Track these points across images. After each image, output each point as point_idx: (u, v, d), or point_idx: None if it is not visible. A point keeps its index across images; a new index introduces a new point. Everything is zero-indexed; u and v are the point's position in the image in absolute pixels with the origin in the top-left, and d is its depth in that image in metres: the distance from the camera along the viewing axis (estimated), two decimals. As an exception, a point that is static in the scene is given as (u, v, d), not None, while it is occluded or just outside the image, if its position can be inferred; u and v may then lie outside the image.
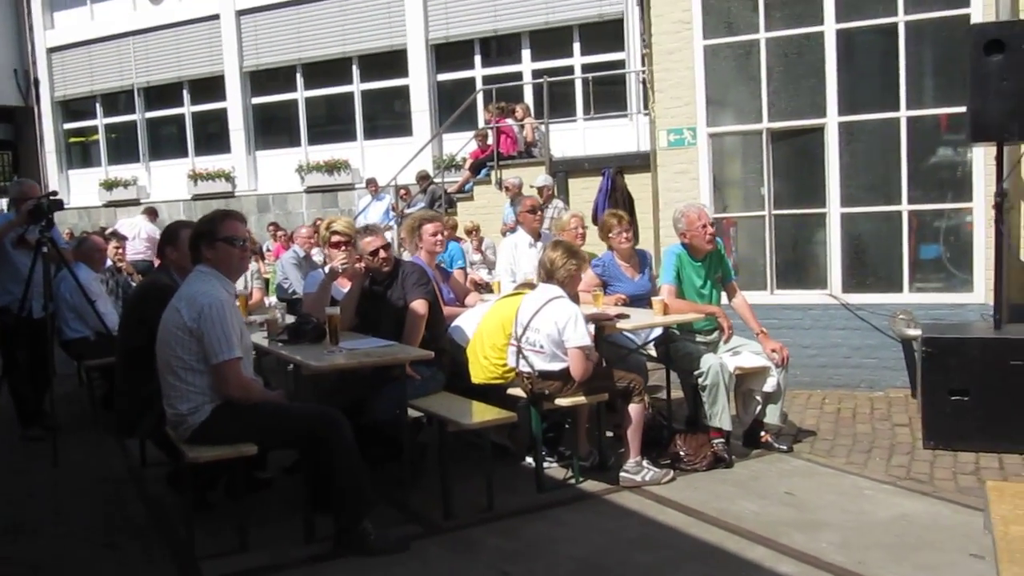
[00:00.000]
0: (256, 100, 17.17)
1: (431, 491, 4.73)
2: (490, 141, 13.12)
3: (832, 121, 7.17)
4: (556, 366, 4.84)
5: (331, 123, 16.91)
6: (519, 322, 4.97)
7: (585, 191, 11.80)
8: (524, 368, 4.91)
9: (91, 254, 7.06)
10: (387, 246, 5.23)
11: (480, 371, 5.23)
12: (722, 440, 5.46)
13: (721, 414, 5.35)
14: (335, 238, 5.61)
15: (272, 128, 17.56)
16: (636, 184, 11.32)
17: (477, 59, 14.98)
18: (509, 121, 12.89)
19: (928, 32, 6.95)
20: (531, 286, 5.78)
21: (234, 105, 17.06)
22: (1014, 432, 5.35)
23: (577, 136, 14.00)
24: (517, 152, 12.80)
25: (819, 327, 7.33)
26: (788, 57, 7.33)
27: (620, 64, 13.87)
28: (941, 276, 7.17)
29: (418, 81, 15.21)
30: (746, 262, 7.74)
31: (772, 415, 5.63)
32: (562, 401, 4.85)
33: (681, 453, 5.28)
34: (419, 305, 5.07)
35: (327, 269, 5.75)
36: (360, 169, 16.05)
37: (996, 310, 6.55)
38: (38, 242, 5.90)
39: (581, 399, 4.86)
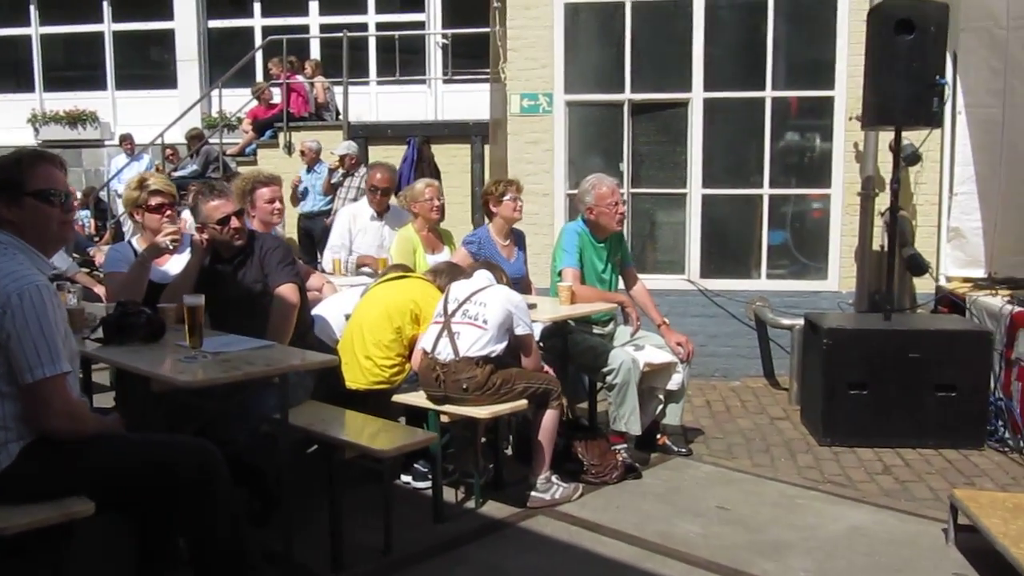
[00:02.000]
0: (-29, 32, 14.31)
1: (309, 532, 3.66)
2: (276, 99, 11.66)
3: (697, 97, 6.76)
4: (491, 349, 3.94)
5: (74, 67, 14.41)
6: (452, 298, 4.02)
7: (387, 160, 10.73)
8: (442, 354, 3.94)
9: None
10: (240, 212, 4.02)
11: (359, 374, 4.20)
12: (625, 446, 4.83)
13: (629, 417, 4.71)
14: (155, 199, 4.29)
15: (-5, 68, 14.74)
16: (442, 156, 10.52)
17: (256, 7, 13.31)
18: (300, 78, 11.51)
19: (799, 9, 6.70)
20: (404, 269, 4.82)
21: (-56, 36, 14.12)
22: (911, 427, 5.17)
23: (369, 101, 12.86)
24: (308, 113, 11.46)
25: (675, 313, 6.85)
26: (655, 25, 6.81)
27: (418, 25, 12.87)
28: (796, 263, 7.01)
29: (185, 26, 13.27)
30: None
31: (673, 415, 5.08)
32: (475, 410, 3.94)
33: (585, 463, 4.57)
34: (290, 291, 3.93)
35: (135, 242, 4.43)
36: (111, 123, 13.81)
37: (858, 298, 6.46)
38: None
39: (504, 406, 3.97)
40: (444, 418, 4.02)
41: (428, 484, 4.29)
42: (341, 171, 9.76)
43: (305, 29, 13.07)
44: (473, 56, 12.18)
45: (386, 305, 4.19)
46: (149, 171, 5.46)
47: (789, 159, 6.94)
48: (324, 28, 13.13)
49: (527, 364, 4.11)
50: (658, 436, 5.11)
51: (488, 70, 11.79)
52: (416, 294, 4.24)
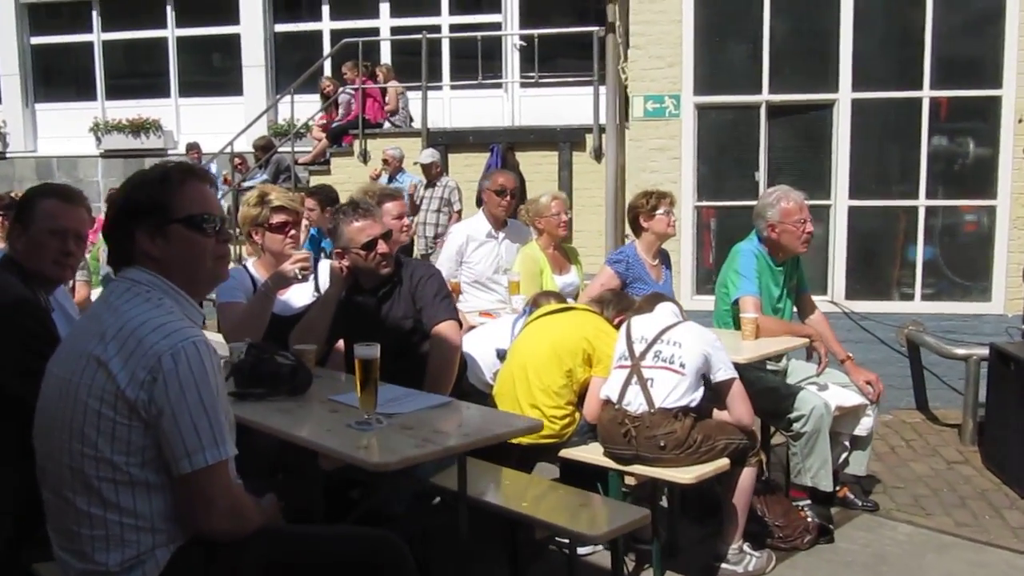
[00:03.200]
0: (36, 40, 13.91)
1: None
2: (345, 108, 11.10)
3: (844, 97, 6.05)
4: (691, 398, 3.29)
5: (137, 75, 13.99)
6: (638, 337, 3.37)
7: (468, 169, 10.13)
8: (633, 405, 3.29)
9: None
10: (388, 235, 3.40)
11: (523, 425, 3.55)
12: (809, 502, 4.14)
13: (819, 470, 4.03)
14: (277, 217, 3.70)
15: (57, 76, 14.34)
16: (526, 163, 9.90)
17: (325, 9, 12.78)
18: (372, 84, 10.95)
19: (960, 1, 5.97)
20: (558, 297, 4.19)
21: (6, 44, 13.72)
22: None
23: (442, 106, 12.27)
24: (385, 119, 10.90)
25: (816, 339, 6.21)
26: (796, 17, 6.12)
27: (494, 27, 12.25)
28: (954, 283, 6.26)
29: (251, 30, 12.78)
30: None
31: (858, 465, 4.39)
32: (673, 473, 3.27)
33: (769, 524, 3.89)
34: (451, 330, 3.31)
35: (250, 266, 3.85)
36: (174, 132, 13.38)
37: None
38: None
39: (707, 468, 3.30)
40: (629, 480, 3.36)
41: (592, 549, 3.64)
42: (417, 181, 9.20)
43: (375, 32, 12.52)
44: (552, 58, 11.58)
45: (554, 344, 3.55)
46: (267, 184, 4.84)
47: (948, 167, 6.21)
48: (395, 31, 12.58)
49: (733, 415, 3.44)
50: (837, 488, 4.41)
51: (570, 73, 11.23)
52: (588, 330, 3.59)
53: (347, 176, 10.69)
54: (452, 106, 12.32)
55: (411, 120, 11.24)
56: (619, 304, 3.81)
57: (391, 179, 9.57)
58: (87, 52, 13.82)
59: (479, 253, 5.52)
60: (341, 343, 3.56)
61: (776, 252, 4.26)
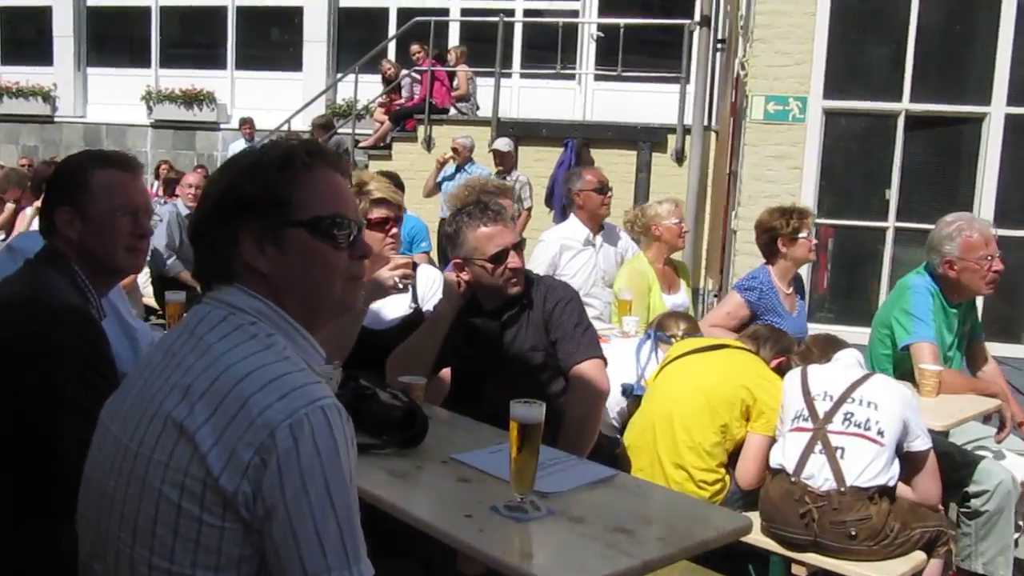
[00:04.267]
0: (92, 2, 13.44)
1: None
2: (408, 91, 10.49)
3: (997, 111, 5.32)
4: (890, 475, 2.65)
5: (192, 44, 13.49)
6: (819, 392, 2.72)
7: (539, 164, 9.48)
8: (817, 479, 2.63)
9: None
10: (520, 245, 2.75)
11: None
12: (977, 593, 3.45)
13: (997, 556, 3.33)
14: (378, 211, 3.05)
15: (111, 41, 13.86)
16: (601, 162, 9.21)
17: (394, -16, 12.20)
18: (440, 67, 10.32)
19: None
20: (690, 322, 3.54)
21: (61, 4, 13.27)
22: None
23: (511, 95, 11.62)
24: (451, 104, 10.28)
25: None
26: (949, 17, 5.40)
27: (571, 14, 11.58)
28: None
29: (316, 4, 12.20)
30: (846, 287, 5.78)
31: (1032, 549, 3.69)
32: (863, 568, 2.60)
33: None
34: (597, 372, 2.66)
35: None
36: (228, 105, 12.85)
37: None
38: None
39: (900, 566, 2.63)
40: (798, 570, 2.71)
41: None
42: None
43: (443, 13, 11.90)
44: (633, 51, 10.87)
45: (707, 392, 2.89)
46: (366, 171, 4.18)
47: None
48: (464, 13, 11.95)
49: (921, 493, 2.78)
50: None
51: (653, 68, 10.52)
52: (748, 376, 2.93)
53: (409, 163, 10.09)
54: (521, 96, 11.67)
55: (477, 108, 10.61)
56: (778, 343, 3.14)
57: (459, 169, 8.95)
58: (144, 17, 13.34)
59: (575, 263, 4.87)
60: (446, 371, 2.94)
61: (952, 292, 3.57)
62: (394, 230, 3.09)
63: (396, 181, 6.50)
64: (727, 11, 9.38)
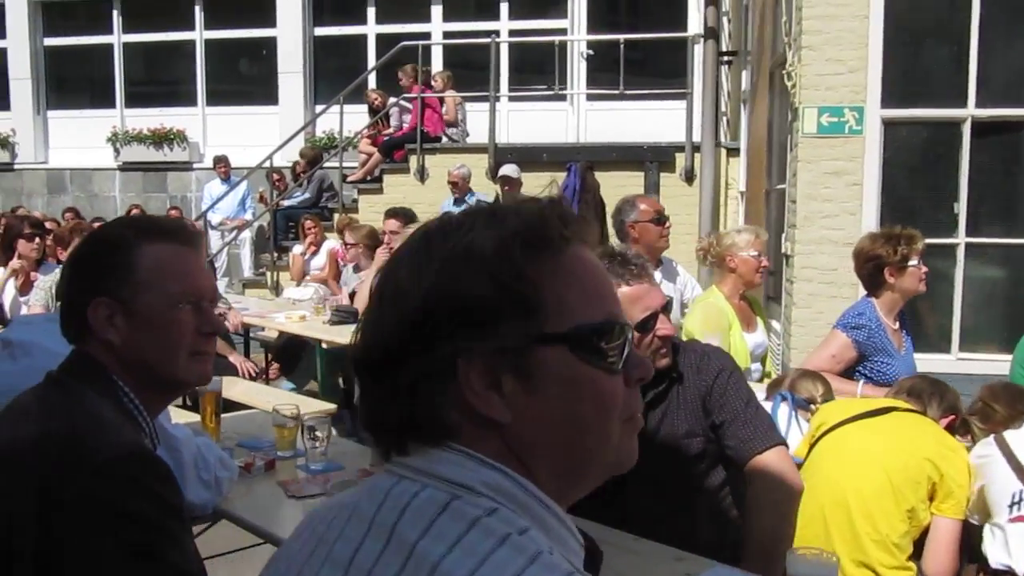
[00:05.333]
0: (50, 41, 12.72)
1: None
2: (397, 120, 9.94)
3: (1072, 113, 4.90)
4: None
5: (159, 82, 12.81)
6: None
7: (539, 190, 8.92)
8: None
9: None
10: (668, 307, 2.20)
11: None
12: None
13: None
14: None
15: (72, 81, 13.16)
16: (607, 185, 8.77)
17: (371, 12, 11.61)
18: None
19: None
20: (822, 381, 3.01)
21: (18, 45, 12.54)
22: None
23: (499, 119, 11.11)
24: (442, 132, 9.73)
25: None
26: (1015, 15, 4.98)
27: (559, 33, 11.12)
28: None
29: (289, 33, 11.61)
30: (916, 311, 5.29)
31: None
32: None
33: None
34: (785, 465, 2.10)
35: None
36: (200, 143, 12.19)
37: None
38: None
39: None
40: None
41: None
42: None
43: (424, 37, 11.39)
44: (628, 68, 10.45)
45: (887, 470, 2.35)
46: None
47: None
48: (447, 36, 11.45)
49: None
50: None
51: (650, 87, 10.08)
52: (929, 447, 2.41)
53: (402, 195, 9.52)
54: (510, 119, 11.17)
55: (467, 134, 10.10)
56: (944, 399, 2.62)
57: (459, 202, 8.41)
58: (106, 55, 12.65)
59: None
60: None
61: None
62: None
63: (410, 219, 5.98)
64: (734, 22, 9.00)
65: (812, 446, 2.55)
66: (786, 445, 2.16)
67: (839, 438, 2.50)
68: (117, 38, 12.53)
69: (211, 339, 1.57)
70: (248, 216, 10.80)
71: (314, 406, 4.05)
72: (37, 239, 5.70)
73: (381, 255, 5.71)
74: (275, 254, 9.79)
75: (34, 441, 1.34)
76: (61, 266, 5.39)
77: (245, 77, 12.65)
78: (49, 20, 12.82)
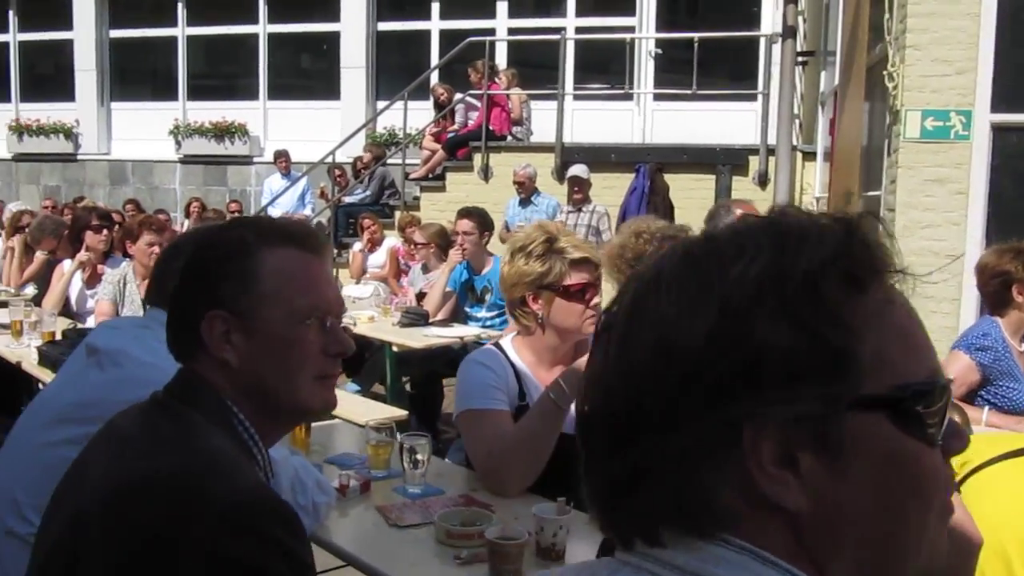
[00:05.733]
0: (115, 33, 12.83)
1: None
2: (463, 116, 9.78)
3: None
4: None
5: (221, 75, 12.85)
6: None
7: (608, 192, 8.74)
8: None
9: None
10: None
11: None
12: None
13: None
14: (577, 275, 2.31)
15: (135, 73, 13.26)
16: (676, 187, 8.55)
17: (435, 7, 11.49)
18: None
19: None
20: (959, 411, 2.72)
21: (84, 37, 12.66)
22: None
23: (565, 119, 10.89)
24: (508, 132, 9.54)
25: None
26: None
27: (627, 30, 10.86)
28: None
29: (353, 28, 11.53)
30: None
31: None
32: None
33: None
34: (967, 520, 1.86)
35: (508, 345, 2.49)
36: (260, 137, 12.17)
37: None
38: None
39: None
40: None
41: None
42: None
43: (490, 33, 11.21)
44: (696, 69, 10.18)
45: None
46: (551, 222, 3.31)
47: None
48: (512, 32, 11.26)
49: None
50: None
51: (721, 88, 9.81)
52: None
53: (465, 194, 9.36)
54: (575, 119, 10.94)
55: (531, 133, 9.90)
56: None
57: (526, 203, 8.21)
58: (169, 48, 12.70)
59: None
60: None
61: None
62: (596, 300, 2.33)
63: (485, 220, 5.79)
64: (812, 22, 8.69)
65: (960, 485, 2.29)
66: (958, 489, 1.91)
67: (990, 478, 2.23)
68: (181, 31, 12.56)
69: (338, 361, 1.37)
70: (307, 212, 10.73)
71: (384, 412, 3.90)
72: (105, 231, 5.62)
73: (455, 256, 5.53)
74: (336, 251, 9.68)
75: (143, 478, 1.16)
76: (125, 260, 5.31)
77: (307, 72, 12.61)
78: (115, 12, 12.89)
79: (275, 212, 10.56)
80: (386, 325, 5.46)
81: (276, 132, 12.03)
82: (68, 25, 12.78)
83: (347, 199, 9.88)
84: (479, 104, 9.67)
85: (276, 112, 12.17)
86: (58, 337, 4.38)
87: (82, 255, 5.54)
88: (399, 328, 5.31)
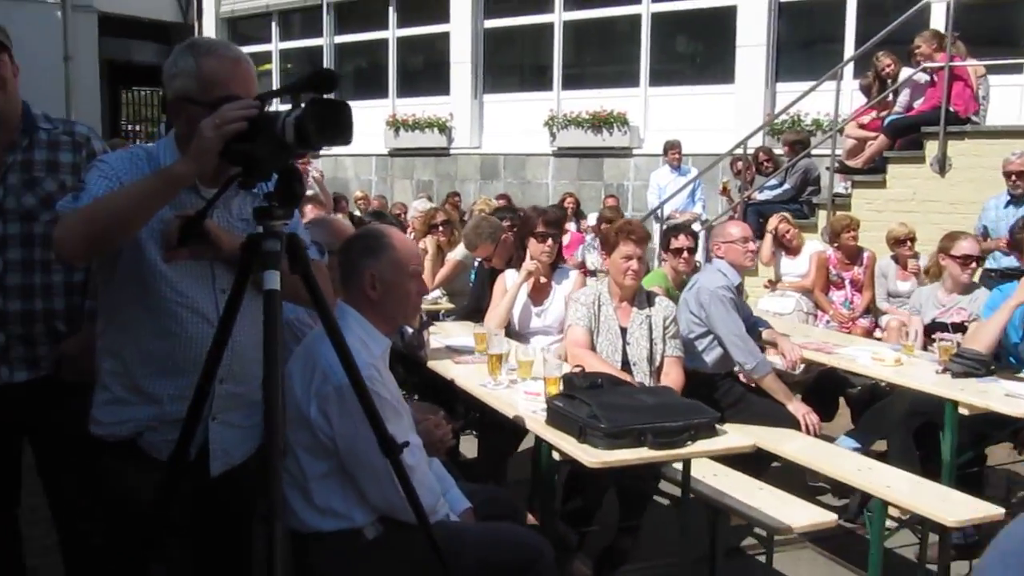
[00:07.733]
0: (491, 23, 12.42)
1: None
2: (907, 97, 7.98)
3: None
4: None
5: (597, 62, 12.00)
6: None
7: None
8: None
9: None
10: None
11: None
12: None
13: None
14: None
15: (508, 65, 12.83)
16: None
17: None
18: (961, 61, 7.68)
19: None
20: None
21: (460, 29, 12.38)
22: None
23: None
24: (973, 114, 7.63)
25: None
26: None
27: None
28: None
29: (752, 1, 10.11)
30: None
31: None
32: None
33: None
34: None
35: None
36: (640, 127, 11.13)
37: None
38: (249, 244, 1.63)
39: None
40: None
41: None
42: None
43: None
44: None
45: None
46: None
47: None
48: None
49: None
50: None
51: None
52: None
53: (911, 191, 7.68)
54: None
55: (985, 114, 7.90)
56: None
57: (1020, 200, 6.33)
58: (544, 36, 12.06)
59: None
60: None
61: None
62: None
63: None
64: None
65: None
66: None
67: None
68: (558, 17, 11.86)
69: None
70: (697, 210, 9.51)
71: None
72: (550, 240, 4.72)
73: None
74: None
75: None
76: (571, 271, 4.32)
77: (694, 54, 11.40)
78: (490, 2, 12.50)
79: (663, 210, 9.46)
80: (922, 372, 4.02)
81: (656, 121, 10.94)
82: (445, 18, 12.59)
83: (759, 195, 8.51)
84: (924, 80, 7.88)
85: (657, 99, 11.07)
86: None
87: (528, 264, 4.68)
88: (951, 379, 3.86)
